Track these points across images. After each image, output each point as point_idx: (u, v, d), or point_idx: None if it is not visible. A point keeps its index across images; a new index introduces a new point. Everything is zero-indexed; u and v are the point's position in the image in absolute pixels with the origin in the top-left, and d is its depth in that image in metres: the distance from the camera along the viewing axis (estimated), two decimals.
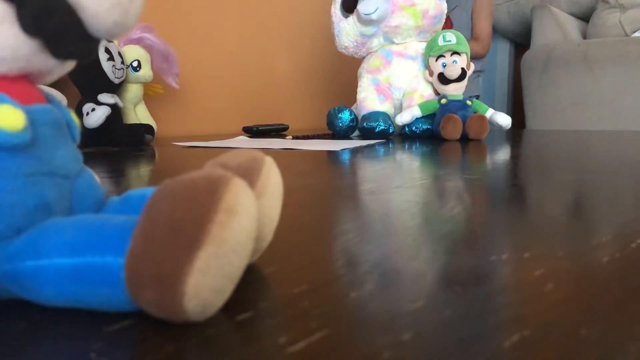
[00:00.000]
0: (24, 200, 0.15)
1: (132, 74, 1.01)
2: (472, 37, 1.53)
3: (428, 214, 0.29)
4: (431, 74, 0.98)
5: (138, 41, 1.02)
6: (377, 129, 0.98)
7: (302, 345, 0.13)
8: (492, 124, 0.96)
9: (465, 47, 0.95)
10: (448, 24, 1.51)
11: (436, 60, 0.96)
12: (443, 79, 0.94)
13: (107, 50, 0.90)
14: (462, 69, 0.92)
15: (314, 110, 1.72)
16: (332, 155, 0.68)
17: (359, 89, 1.09)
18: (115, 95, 0.93)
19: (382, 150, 0.74)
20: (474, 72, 1.49)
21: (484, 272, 0.18)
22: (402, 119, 0.96)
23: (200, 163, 0.59)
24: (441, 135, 0.90)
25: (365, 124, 0.99)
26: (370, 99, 1.04)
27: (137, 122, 1.05)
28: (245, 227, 0.14)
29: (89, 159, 0.66)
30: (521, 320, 0.14)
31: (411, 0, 0.99)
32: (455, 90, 0.94)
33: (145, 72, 1.03)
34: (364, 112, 1.04)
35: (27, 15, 0.15)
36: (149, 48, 1.03)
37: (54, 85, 0.85)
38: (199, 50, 1.34)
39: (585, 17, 1.65)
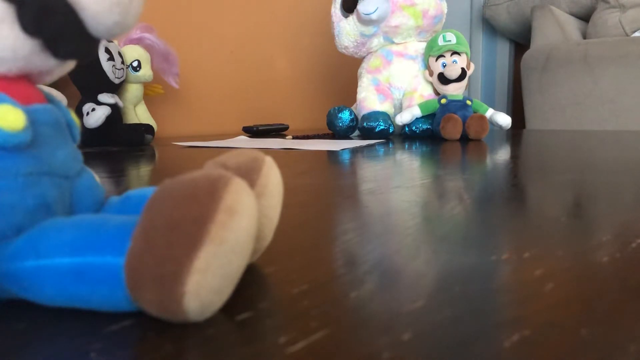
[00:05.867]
0: (24, 200, 0.15)
1: (132, 74, 1.01)
2: None
3: (428, 214, 0.29)
4: (431, 74, 0.98)
5: (138, 41, 1.02)
6: (377, 129, 0.98)
7: (302, 345, 0.13)
8: (492, 123, 0.96)
9: (465, 47, 0.95)
10: None
11: (436, 60, 0.96)
12: (443, 79, 0.94)
13: (107, 50, 0.90)
14: (462, 69, 0.92)
15: (314, 110, 1.72)
16: (332, 155, 0.68)
17: (359, 89, 1.09)
18: (115, 95, 0.93)
19: (382, 150, 0.74)
20: None
21: (484, 272, 0.18)
22: (402, 119, 0.96)
23: (200, 163, 0.59)
24: (441, 135, 0.90)
25: (365, 124, 0.99)
26: (370, 99, 1.04)
27: (137, 122, 1.05)
28: (245, 227, 0.14)
29: (89, 159, 0.66)
30: (521, 320, 0.14)
31: (411, 0, 0.99)
32: (455, 90, 0.94)
33: (145, 72, 1.03)
34: (364, 112, 1.04)
35: (27, 15, 0.15)
36: (149, 48, 1.03)
37: (54, 85, 0.85)
38: (199, 50, 1.34)
39: (585, 17, 1.65)
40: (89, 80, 0.89)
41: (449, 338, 0.13)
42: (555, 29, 1.54)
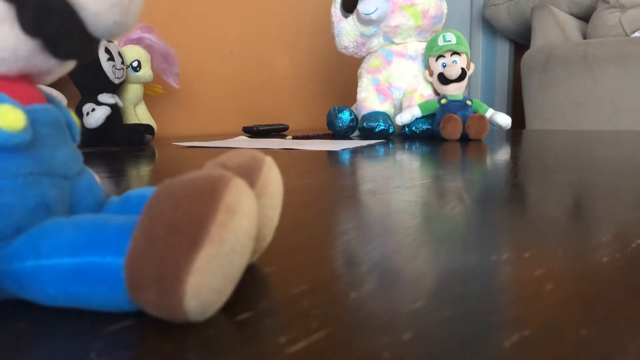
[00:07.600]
0: (24, 200, 0.15)
1: (132, 74, 1.01)
2: None
3: (428, 214, 0.29)
4: (431, 74, 0.98)
5: (138, 41, 1.02)
6: (377, 129, 0.98)
7: (302, 345, 0.13)
8: (492, 124, 0.96)
9: (465, 47, 0.95)
10: None
11: (436, 60, 0.96)
12: (443, 79, 0.94)
13: (107, 50, 0.90)
14: (462, 69, 0.92)
15: (314, 110, 1.72)
16: (332, 155, 0.68)
17: (359, 89, 1.09)
18: (115, 95, 0.93)
19: (382, 150, 0.74)
20: None
21: (484, 272, 0.18)
22: (402, 119, 0.96)
23: (200, 163, 0.59)
24: (441, 135, 0.90)
25: (365, 124, 0.99)
26: (370, 99, 1.04)
27: (137, 122, 1.05)
28: (245, 227, 0.14)
29: (89, 159, 0.66)
30: (521, 320, 0.14)
31: (411, 0, 0.99)
32: (455, 90, 0.94)
33: (145, 72, 1.03)
34: (364, 112, 1.04)
35: (27, 15, 0.15)
36: (149, 48, 1.03)
37: (54, 85, 0.85)
38: (199, 50, 1.34)
39: (585, 17, 1.65)
40: (89, 80, 0.89)
41: (449, 338, 0.13)
42: (555, 29, 1.54)
